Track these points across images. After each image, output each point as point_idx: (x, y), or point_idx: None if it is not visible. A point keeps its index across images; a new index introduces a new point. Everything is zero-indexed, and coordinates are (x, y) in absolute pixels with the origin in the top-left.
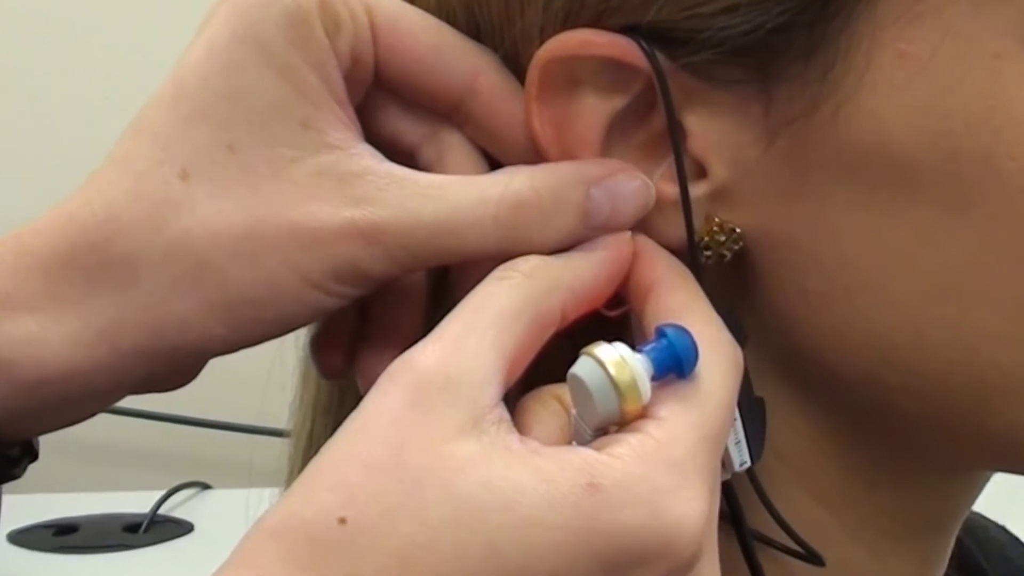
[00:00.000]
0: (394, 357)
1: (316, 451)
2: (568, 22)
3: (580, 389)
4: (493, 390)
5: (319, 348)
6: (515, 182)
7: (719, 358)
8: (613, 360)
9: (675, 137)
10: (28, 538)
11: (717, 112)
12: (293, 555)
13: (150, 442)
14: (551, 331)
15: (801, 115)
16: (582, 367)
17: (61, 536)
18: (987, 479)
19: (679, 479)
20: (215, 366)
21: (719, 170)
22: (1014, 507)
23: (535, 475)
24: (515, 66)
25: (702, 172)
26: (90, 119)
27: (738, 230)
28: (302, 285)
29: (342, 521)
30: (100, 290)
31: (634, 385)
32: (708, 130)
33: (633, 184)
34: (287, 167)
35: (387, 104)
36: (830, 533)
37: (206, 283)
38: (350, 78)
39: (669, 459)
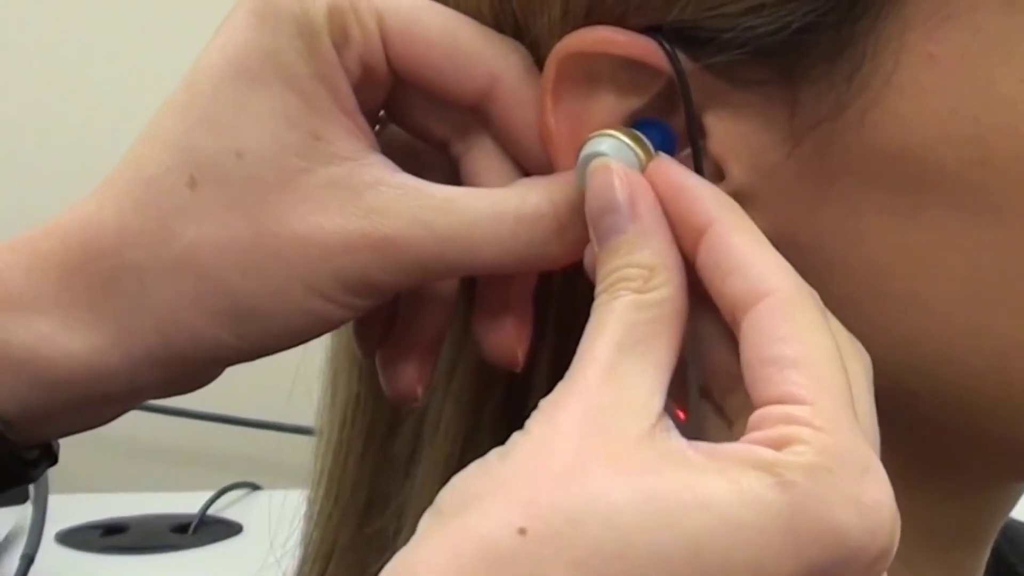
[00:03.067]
0: (417, 357)
1: (348, 451)
2: (589, 19)
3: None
4: (658, 402)
5: (358, 329)
6: (532, 196)
7: (803, 312)
8: (620, 129)
9: (695, 141)
10: (76, 538)
11: (740, 114)
12: (467, 571)
13: (199, 442)
14: (685, 318)
15: (827, 118)
16: (598, 144)
17: (109, 536)
18: (1023, 490)
19: (863, 465)
20: (265, 366)
21: (738, 173)
22: None
23: (722, 476)
24: (539, 62)
25: (720, 174)
26: (91, 123)
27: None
28: (311, 297)
29: (522, 532)
30: (110, 298)
31: (643, 140)
32: (729, 132)
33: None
34: (296, 178)
35: (415, 99)
36: None
37: (212, 295)
38: (365, 84)
39: (846, 447)
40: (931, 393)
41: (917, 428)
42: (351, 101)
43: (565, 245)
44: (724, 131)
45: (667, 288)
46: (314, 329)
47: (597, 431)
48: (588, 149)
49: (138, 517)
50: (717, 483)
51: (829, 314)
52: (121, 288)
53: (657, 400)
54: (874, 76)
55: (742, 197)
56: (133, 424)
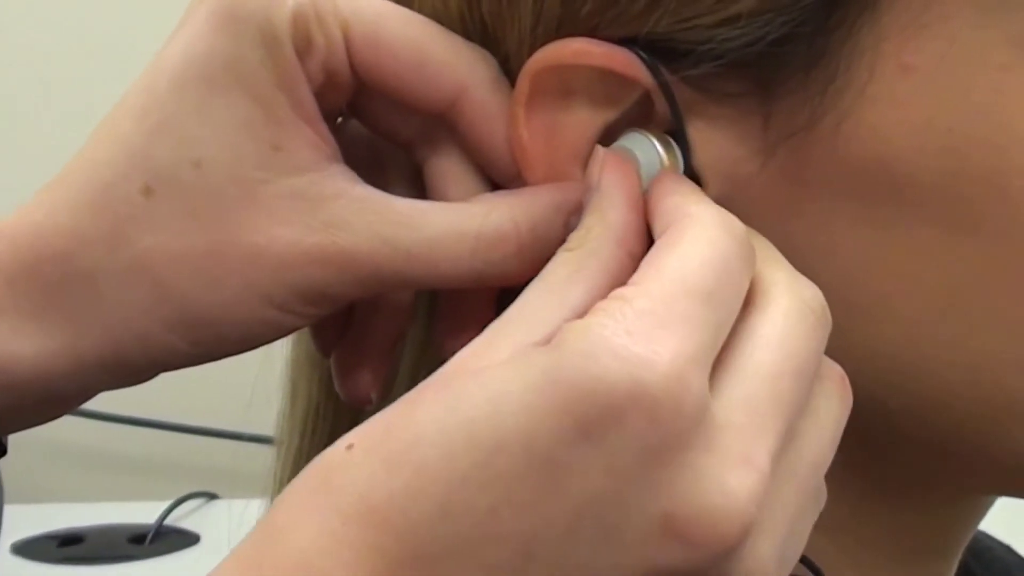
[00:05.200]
0: (372, 360)
1: (308, 461)
2: (562, 31)
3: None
4: (542, 328)
5: (314, 328)
6: (493, 216)
7: (705, 225)
8: (657, 135)
9: (686, 150)
10: (32, 548)
11: (714, 126)
12: (304, 483)
13: (156, 452)
14: (613, 276)
15: (801, 129)
16: (625, 139)
17: (66, 547)
18: (992, 502)
19: (647, 322)
20: (224, 375)
21: (713, 184)
22: (1022, 528)
23: (511, 350)
24: (509, 72)
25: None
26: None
27: None
28: (265, 307)
29: (349, 447)
30: (62, 302)
31: (672, 145)
32: (704, 144)
33: None
34: (255, 188)
35: (380, 102)
36: (828, 558)
37: (166, 303)
38: (328, 89)
39: (635, 308)
40: (904, 406)
41: (889, 441)
42: (313, 109)
43: (524, 264)
44: (699, 143)
45: (596, 243)
46: (267, 336)
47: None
48: (616, 143)
49: (95, 527)
50: (503, 366)
51: (767, 250)
52: (73, 293)
53: (544, 326)
54: (848, 87)
55: None
56: (90, 433)
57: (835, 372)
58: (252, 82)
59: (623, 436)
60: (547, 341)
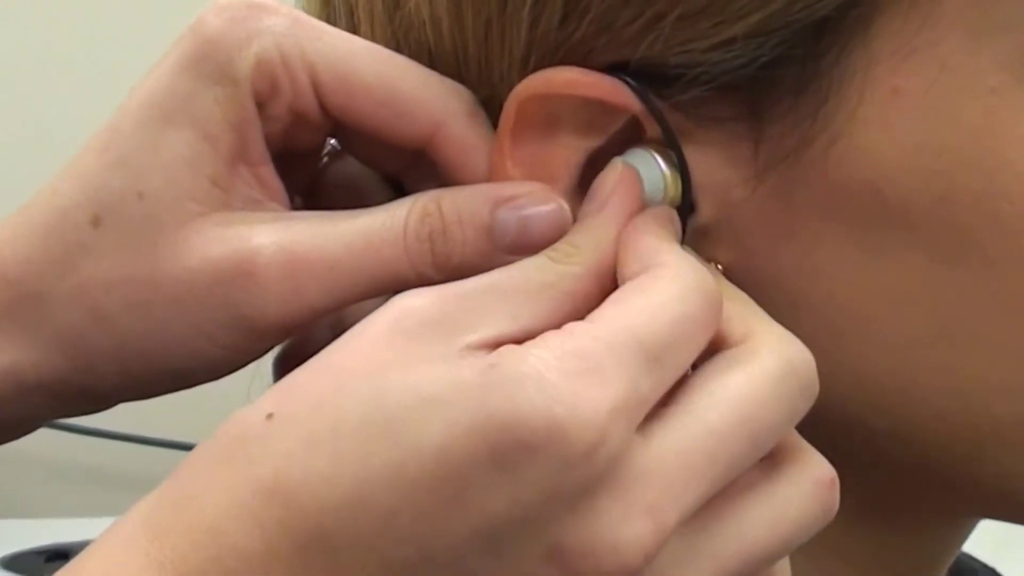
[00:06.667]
0: None
1: None
2: (553, 57)
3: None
4: (487, 332)
5: (282, 367)
6: (421, 199)
7: (676, 280)
8: (662, 153)
9: (685, 176)
10: (19, 564)
11: (705, 151)
12: (218, 449)
13: (144, 467)
14: (585, 304)
15: (791, 153)
16: (631, 154)
17: (52, 562)
18: (975, 524)
19: (583, 366)
20: (210, 392)
21: (704, 209)
22: (1006, 550)
23: (448, 361)
24: (495, 101)
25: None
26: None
27: (719, 266)
28: (196, 336)
29: (269, 416)
30: (8, 326)
31: (676, 178)
32: (696, 169)
33: (545, 207)
34: (191, 219)
35: (361, 138)
36: None
37: (97, 330)
38: (299, 128)
39: (579, 348)
40: (890, 430)
41: (874, 463)
42: (260, 152)
43: (453, 250)
44: (690, 168)
45: (578, 268)
46: (197, 372)
47: (401, 336)
48: (623, 158)
49: (82, 543)
50: (439, 368)
51: (749, 304)
52: (19, 318)
53: (487, 330)
54: (839, 110)
55: (708, 233)
56: (77, 449)
57: (824, 473)
58: (203, 120)
59: (532, 472)
60: (482, 347)
